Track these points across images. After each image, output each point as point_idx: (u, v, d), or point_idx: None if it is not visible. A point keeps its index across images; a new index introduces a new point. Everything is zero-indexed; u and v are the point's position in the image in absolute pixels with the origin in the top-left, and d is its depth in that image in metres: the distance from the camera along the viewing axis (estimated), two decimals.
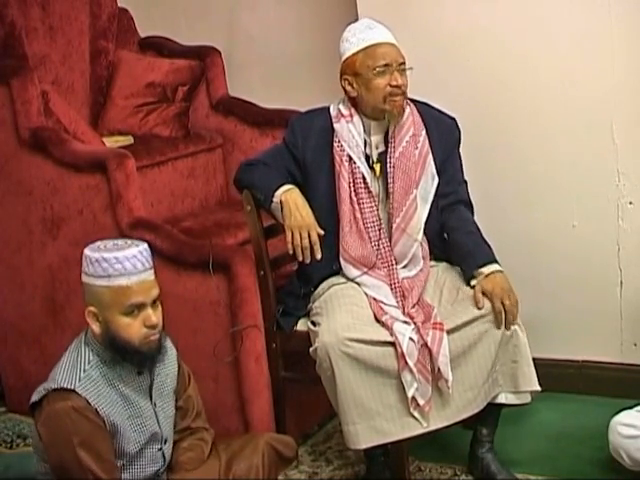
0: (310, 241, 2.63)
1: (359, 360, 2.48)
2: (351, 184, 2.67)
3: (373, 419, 2.50)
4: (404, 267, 2.71)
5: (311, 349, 2.57)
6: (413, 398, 2.49)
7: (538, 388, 2.63)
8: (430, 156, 2.71)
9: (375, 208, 2.68)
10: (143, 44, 3.97)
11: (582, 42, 2.97)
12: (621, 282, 3.08)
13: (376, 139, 2.70)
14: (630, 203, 3.01)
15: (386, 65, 2.61)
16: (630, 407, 2.60)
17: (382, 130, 2.70)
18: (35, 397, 2.17)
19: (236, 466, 2.31)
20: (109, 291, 2.13)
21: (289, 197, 2.66)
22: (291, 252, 2.66)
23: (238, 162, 2.99)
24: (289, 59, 3.78)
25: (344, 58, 2.67)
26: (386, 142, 2.70)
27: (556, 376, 3.07)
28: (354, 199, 2.67)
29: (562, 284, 3.16)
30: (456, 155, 2.79)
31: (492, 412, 2.67)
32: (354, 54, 2.65)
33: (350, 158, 2.67)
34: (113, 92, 3.74)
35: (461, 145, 2.81)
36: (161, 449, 2.28)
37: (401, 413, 2.51)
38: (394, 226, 2.68)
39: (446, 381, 2.50)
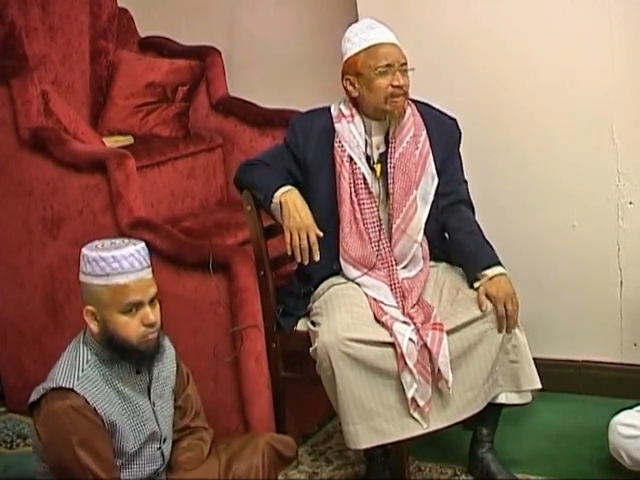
0: (309, 242, 2.63)
1: (359, 360, 2.48)
2: (352, 185, 2.67)
3: (373, 419, 2.50)
4: (404, 267, 2.71)
5: (311, 349, 2.57)
6: (413, 399, 2.49)
7: (539, 386, 2.63)
8: (430, 156, 2.71)
9: (375, 209, 2.68)
10: (143, 44, 3.97)
11: (582, 42, 2.97)
12: (621, 282, 3.08)
13: (377, 139, 2.70)
14: (630, 203, 3.01)
15: (388, 65, 2.60)
16: (630, 407, 2.60)
17: (383, 130, 2.69)
18: (34, 396, 2.17)
19: (236, 466, 2.30)
20: (107, 290, 2.13)
21: (288, 198, 2.66)
22: (290, 253, 2.66)
23: (238, 162, 2.99)
24: (289, 59, 3.78)
25: (346, 58, 2.67)
26: (387, 142, 2.70)
27: (556, 376, 3.07)
28: (354, 200, 2.67)
29: (562, 284, 3.16)
30: (456, 155, 2.79)
31: (492, 412, 2.67)
32: (356, 54, 2.64)
33: (351, 159, 2.67)
34: (113, 92, 3.74)
35: (461, 145, 2.81)
36: (160, 448, 2.28)
37: (401, 414, 2.51)
38: (394, 227, 2.68)
39: (446, 382, 2.50)
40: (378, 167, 2.69)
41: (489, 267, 2.61)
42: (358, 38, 2.66)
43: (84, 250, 2.19)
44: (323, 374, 2.54)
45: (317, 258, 2.64)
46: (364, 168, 2.67)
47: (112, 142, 3.52)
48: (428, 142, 2.71)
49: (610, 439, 2.57)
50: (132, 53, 3.89)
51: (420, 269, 2.71)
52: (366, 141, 2.69)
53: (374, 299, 2.64)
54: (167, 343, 2.34)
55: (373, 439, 2.52)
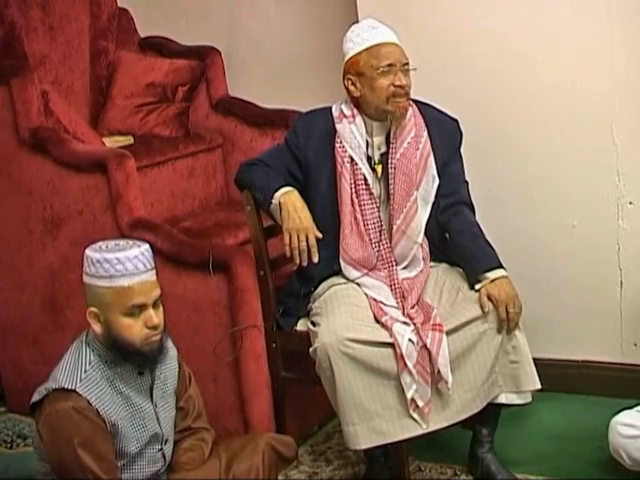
0: (308, 244, 2.63)
1: (359, 361, 2.48)
2: (352, 185, 2.66)
3: (372, 420, 2.50)
4: (404, 268, 2.71)
5: (311, 349, 2.57)
6: (412, 400, 2.49)
7: (539, 386, 2.63)
8: (431, 157, 2.71)
9: (376, 210, 2.68)
10: (143, 44, 3.97)
11: (582, 42, 2.97)
12: (621, 282, 3.08)
13: (378, 140, 2.70)
14: (630, 203, 3.01)
15: (390, 65, 2.60)
16: (630, 407, 2.60)
17: (384, 131, 2.69)
18: (36, 397, 2.17)
19: (236, 466, 2.31)
20: (110, 292, 2.13)
21: (288, 199, 2.66)
22: (288, 255, 2.66)
23: (238, 162, 2.99)
24: (289, 59, 3.78)
25: (347, 58, 2.67)
26: (388, 143, 2.69)
27: (556, 376, 3.07)
28: (355, 200, 2.66)
29: (562, 284, 3.16)
30: (458, 156, 2.79)
31: (492, 412, 2.67)
32: (358, 54, 2.64)
33: (352, 159, 2.67)
34: (113, 92, 3.74)
35: (462, 145, 2.80)
36: (161, 449, 2.28)
37: (400, 414, 2.51)
38: (394, 228, 2.68)
39: (446, 383, 2.50)
40: (379, 168, 2.69)
41: (491, 270, 2.61)
42: (360, 38, 2.66)
43: (88, 251, 2.18)
44: (323, 374, 2.54)
45: (316, 260, 2.64)
46: (365, 169, 2.67)
47: (112, 142, 3.52)
48: (429, 143, 2.71)
49: (610, 439, 2.57)
50: (132, 53, 3.90)
51: (420, 270, 2.71)
52: (367, 142, 2.69)
53: (374, 299, 2.64)
54: (170, 344, 2.34)
55: (373, 439, 2.52)
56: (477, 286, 2.61)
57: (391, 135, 2.68)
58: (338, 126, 2.70)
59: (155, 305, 2.17)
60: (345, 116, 2.70)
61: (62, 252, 3.19)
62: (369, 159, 2.69)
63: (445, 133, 2.76)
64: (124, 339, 2.14)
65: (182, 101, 3.77)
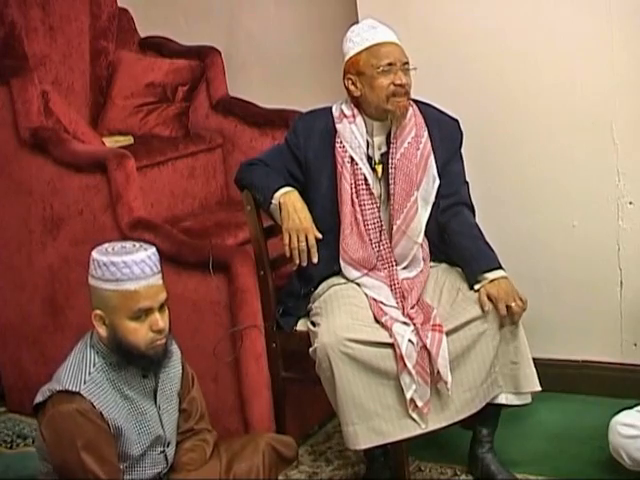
0: (307, 244, 2.63)
1: (358, 361, 2.48)
2: (353, 185, 2.66)
3: (372, 420, 2.50)
4: (404, 268, 2.71)
5: (310, 349, 2.57)
6: (412, 400, 2.49)
7: (539, 388, 2.63)
8: (432, 157, 2.71)
9: (376, 210, 2.68)
10: (143, 44, 3.97)
11: (582, 42, 2.97)
12: (621, 282, 3.08)
13: (378, 140, 2.70)
14: (630, 203, 3.01)
15: (390, 64, 2.60)
16: (630, 407, 2.60)
17: (385, 131, 2.69)
18: (39, 398, 2.17)
19: (237, 466, 2.31)
20: (116, 295, 2.12)
21: (288, 199, 2.66)
22: (288, 255, 2.66)
23: (238, 162, 2.99)
24: (289, 59, 3.78)
25: (348, 57, 2.67)
26: (388, 143, 2.69)
27: (556, 376, 3.07)
28: (355, 201, 2.66)
29: (562, 284, 3.16)
30: (458, 157, 2.78)
31: (492, 412, 2.67)
32: (358, 53, 2.64)
33: (352, 159, 2.67)
34: (113, 92, 3.74)
35: (462, 145, 2.80)
36: (163, 451, 2.28)
37: (400, 414, 2.51)
38: (395, 228, 2.68)
39: (445, 383, 2.50)
40: (379, 168, 2.69)
41: (490, 270, 2.61)
42: (360, 38, 2.66)
43: (94, 254, 2.17)
44: (323, 374, 2.54)
45: (315, 260, 2.64)
46: (365, 169, 2.67)
47: (112, 142, 3.52)
48: (430, 143, 2.71)
49: (610, 439, 2.57)
50: (132, 53, 3.90)
51: (420, 270, 2.71)
52: (367, 142, 2.69)
53: (374, 299, 2.64)
54: (174, 347, 2.34)
55: (372, 439, 2.52)
56: (476, 286, 2.61)
57: (391, 135, 2.68)
58: (338, 126, 2.70)
59: (161, 309, 2.17)
60: (345, 116, 2.70)
61: (62, 252, 3.19)
62: (369, 159, 2.69)
63: (446, 133, 2.75)
64: (129, 342, 2.14)
65: (182, 101, 3.77)
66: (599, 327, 3.14)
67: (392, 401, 2.51)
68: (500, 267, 2.63)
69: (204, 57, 3.81)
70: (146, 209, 3.19)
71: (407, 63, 2.64)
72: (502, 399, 2.64)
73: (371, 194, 2.67)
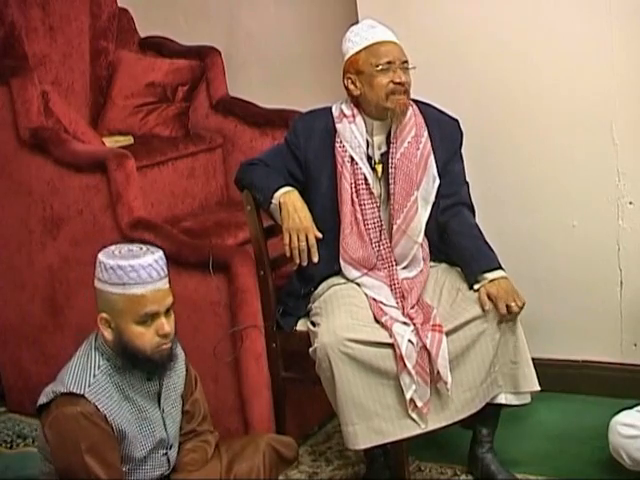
0: (308, 244, 2.63)
1: (358, 361, 2.48)
2: (353, 185, 2.66)
3: (372, 419, 2.50)
4: (404, 268, 2.71)
5: (310, 349, 2.57)
6: (411, 400, 2.49)
7: (538, 388, 2.63)
8: (432, 157, 2.71)
9: (376, 209, 2.68)
10: (143, 44, 3.97)
11: (582, 42, 2.97)
12: (621, 282, 3.08)
13: (378, 139, 2.70)
14: (630, 203, 3.01)
15: (389, 62, 2.61)
16: (630, 407, 2.60)
17: (385, 130, 2.69)
18: (43, 399, 2.16)
19: (237, 467, 2.31)
20: (123, 299, 2.12)
21: (288, 199, 2.66)
22: (288, 254, 2.66)
23: (238, 162, 2.99)
24: (289, 59, 3.78)
25: (347, 57, 2.67)
26: (388, 143, 2.69)
27: (556, 376, 3.07)
28: (355, 200, 2.66)
29: (562, 284, 3.16)
30: (459, 157, 2.78)
31: (492, 412, 2.67)
32: (357, 52, 2.65)
33: (352, 159, 2.67)
34: (113, 92, 3.74)
35: (462, 145, 2.81)
36: (166, 454, 2.28)
37: (400, 414, 2.51)
38: (395, 227, 2.68)
39: (445, 383, 2.50)
40: (379, 167, 2.69)
41: (490, 271, 2.61)
42: (359, 37, 2.66)
43: (101, 256, 2.16)
44: (322, 374, 2.54)
45: (315, 260, 2.65)
46: (365, 168, 2.67)
47: (112, 142, 3.52)
48: (430, 143, 2.71)
49: (610, 439, 2.56)
50: (132, 53, 3.90)
51: (420, 270, 2.71)
52: (367, 141, 2.69)
53: (374, 299, 2.64)
54: (179, 349, 2.34)
55: (372, 439, 2.52)
56: (476, 286, 2.61)
57: (391, 135, 2.68)
58: (338, 126, 2.70)
59: (167, 313, 2.16)
60: (345, 116, 2.70)
61: (62, 252, 3.19)
62: (369, 159, 2.69)
63: (446, 133, 2.75)
64: (135, 346, 2.13)
65: (182, 101, 3.77)
66: (599, 327, 3.14)
67: (392, 401, 2.51)
68: (500, 267, 2.63)
69: (204, 57, 3.81)
70: (146, 209, 3.19)
71: (406, 62, 2.64)
72: (502, 399, 2.64)
73: (371, 194, 2.67)
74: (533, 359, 2.63)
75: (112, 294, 2.12)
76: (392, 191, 2.67)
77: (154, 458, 2.24)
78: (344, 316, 2.56)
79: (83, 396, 2.10)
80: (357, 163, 2.67)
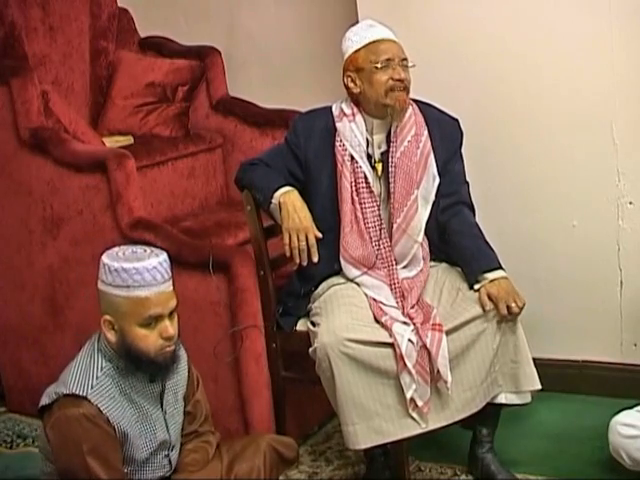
0: (307, 244, 2.63)
1: (358, 361, 2.48)
2: (353, 184, 2.67)
3: (372, 419, 2.50)
4: (404, 267, 2.71)
5: (310, 349, 2.57)
6: (412, 399, 2.49)
7: (539, 387, 2.63)
8: (432, 156, 2.71)
9: (376, 208, 2.68)
10: (143, 44, 3.97)
11: (582, 42, 2.97)
12: (621, 282, 3.08)
13: (378, 138, 2.70)
14: (630, 203, 3.01)
15: (388, 60, 2.61)
16: (630, 407, 2.60)
17: (385, 129, 2.69)
18: (45, 400, 2.16)
19: (238, 467, 2.31)
20: (127, 301, 2.11)
21: (288, 199, 2.66)
22: (288, 254, 2.66)
23: (238, 162, 2.99)
24: (289, 59, 3.78)
25: (347, 56, 2.68)
26: (388, 142, 2.69)
27: (556, 376, 3.07)
28: (355, 199, 2.67)
29: (562, 284, 3.16)
30: (459, 156, 2.79)
31: (492, 412, 2.67)
32: (356, 51, 2.65)
33: (352, 157, 2.67)
34: (113, 92, 3.74)
35: (462, 145, 2.81)
36: (168, 456, 2.28)
37: (400, 414, 2.51)
38: (395, 226, 2.68)
39: (445, 383, 2.50)
40: (379, 166, 2.69)
41: (490, 271, 2.61)
42: (358, 36, 2.67)
43: (105, 259, 2.15)
44: (322, 374, 2.54)
45: (315, 259, 2.65)
46: (365, 167, 2.67)
47: (112, 142, 3.52)
48: (429, 142, 2.71)
49: (610, 439, 2.57)
50: (132, 53, 3.90)
51: (420, 269, 2.71)
52: (367, 140, 2.69)
53: (374, 299, 2.64)
54: (181, 351, 2.34)
55: (372, 439, 2.52)
56: (476, 286, 2.61)
57: (391, 133, 2.68)
58: (338, 125, 2.70)
59: (171, 315, 2.16)
60: (345, 115, 2.70)
61: (62, 252, 3.19)
62: (369, 157, 2.69)
63: (446, 133, 2.76)
64: (138, 349, 2.13)
65: (182, 101, 3.77)
66: (599, 327, 3.14)
67: (392, 401, 2.51)
68: (500, 267, 2.63)
69: (204, 57, 3.81)
70: (146, 209, 3.19)
71: (405, 59, 2.65)
72: (502, 398, 2.64)
73: (371, 192, 2.67)
74: (533, 359, 2.63)
75: (116, 296, 2.12)
76: (392, 190, 2.67)
77: (156, 460, 2.24)
78: (344, 316, 2.56)
79: (86, 398, 2.10)
80: (357, 162, 2.67)
